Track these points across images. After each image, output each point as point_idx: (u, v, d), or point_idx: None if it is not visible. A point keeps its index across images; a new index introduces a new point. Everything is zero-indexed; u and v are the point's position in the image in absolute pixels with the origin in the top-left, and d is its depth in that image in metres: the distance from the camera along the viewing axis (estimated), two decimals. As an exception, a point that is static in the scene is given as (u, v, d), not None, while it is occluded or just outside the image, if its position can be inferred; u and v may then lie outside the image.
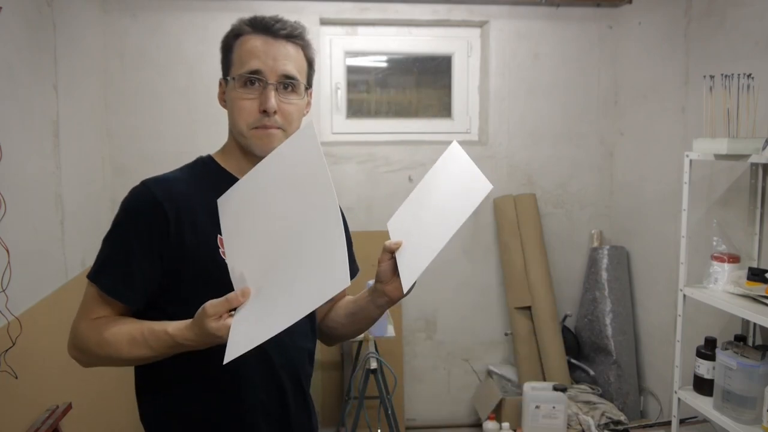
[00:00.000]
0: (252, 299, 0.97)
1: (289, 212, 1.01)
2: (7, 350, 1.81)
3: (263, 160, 1.07)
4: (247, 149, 1.16)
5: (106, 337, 1.07)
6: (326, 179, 0.99)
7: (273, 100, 1.12)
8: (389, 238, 1.17)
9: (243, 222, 1.05)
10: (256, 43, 1.13)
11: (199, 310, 0.97)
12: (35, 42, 2.22)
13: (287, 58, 1.14)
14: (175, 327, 1.02)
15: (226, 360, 0.91)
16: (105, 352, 1.08)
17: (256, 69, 1.12)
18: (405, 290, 1.09)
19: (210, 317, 0.96)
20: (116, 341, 1.06)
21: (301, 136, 1.03)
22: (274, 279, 0.98)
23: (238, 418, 1.16)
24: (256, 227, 1.03)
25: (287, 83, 1.14)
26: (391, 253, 1.14)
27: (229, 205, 1.08)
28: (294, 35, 1.15)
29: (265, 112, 1.12)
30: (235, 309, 0.97)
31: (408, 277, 1.07)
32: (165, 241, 1.09)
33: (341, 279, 0.91)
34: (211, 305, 0.96)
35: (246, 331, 0.93)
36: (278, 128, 1.14)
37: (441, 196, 1.14)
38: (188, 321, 1.01)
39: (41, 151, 2.26)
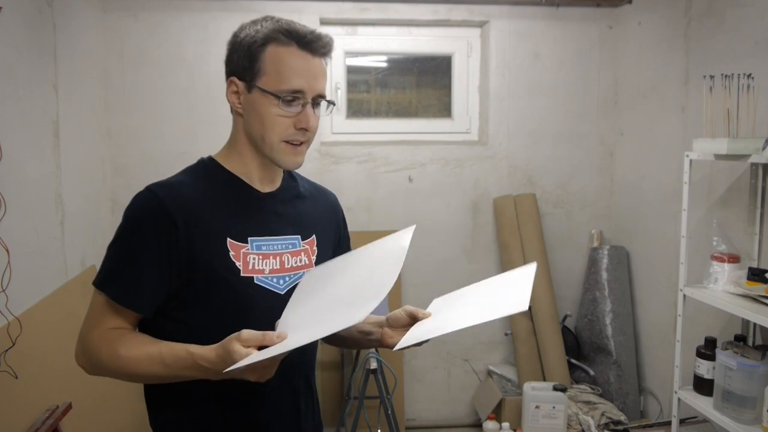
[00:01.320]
0: (282, 345, 0.98)
1: (348, 289, 1.06)
2: (7, 350, 1.81)
3: (362, 249, 1.14)
4: (273, 161, 1.16)
5: (120, 351, 1.05)
6: (388, 283, 1.02)
7: (314, 120, 1.13)
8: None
9: (319, 285, 1.09)
10: (298, 60, 1.11)
11: (234, 333, 0.97)
12: (35, 42, 2.22)
13: (323, 77, 1.14)
14: (196, 346, 1.02)
15: (225, 369, 0.93)
16: (116, 365, 1.06)
17: (300, 89, 1.11)
18: (396, 348, 1.08)
19: (241, 341, 0.95)
20: (130, 357, 1.05)
21: (403, 234, 1.10)
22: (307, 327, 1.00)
23: (252, 420, 1.16)
24: (324, 291, 1.08)
25: (319, 100, 1.15)
26: (415, 318, 1.14)
27: (315, 276, 1.13)
28: (328, 53, 1.15)
29: (303, 129, 1.12)
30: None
31: (406, 340, 1.08)
32: (173, 248, 1.08)
33: (358, 314, 0.95)
34: (249, 333, 0.96)
35: (258, 355, 0.95)
36: (305, 142, 1.15)
37: (486, 296, 1.14)
38: (213, 344, 1.01)
39: (41, 151, 2.26)
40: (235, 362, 0.93)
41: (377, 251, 1.12)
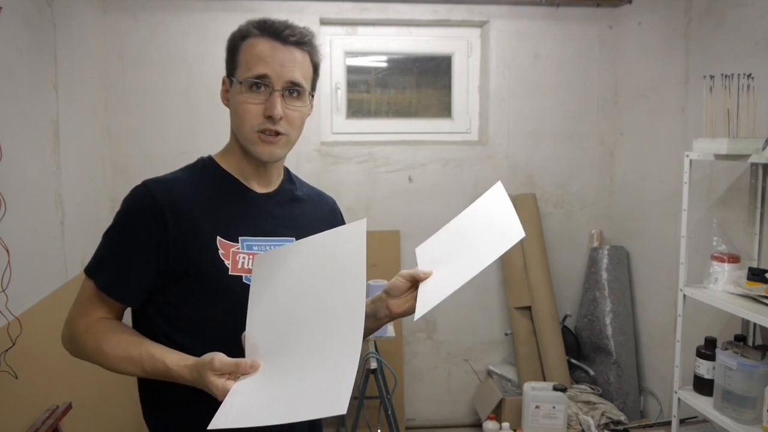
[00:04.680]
0: (258, 374, 0.98)
1: (317, 302, 1.03)
2: (7, 350, 1.81)
3: (311, 237, 1.11)
4: (248, 152, 1.17)
5: (104, 348, 1.08)
6: (361, 286, 1.00)
7: (279, 107, 1.12)
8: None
9: (272, 290, 1.06)
10: (264, 47, 1.12)
11: (206, 358, 0.98)
12: (35, 42, 2.22)
13: (294, 64, 1.14)
14: (174, 362, 1.03)
15: (211, 427, 0.91)
16: (99, 360, 1.10)
17: (264, 74, 1.11)
18: (416, 317, 1.08)
19: (214, 371, 0.96)
20: (113, 355, 1.08)
21: (353, 229, 1.06)
22: (283, 366, 0.98)
23: None
24: (283, 302, 1.05)
25: (293, 89, 1.14)
26: (416, 280, 1.14)
27: (266, 265, 1.09)
28: (302, 42, 1.15)
29: (270, 117, 1.12)
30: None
31: (423, 306, 1.07)
32: (163, 243, 1.10)
33: (339, 406, 0.89)
34: (220, 362, 0.97)
35: (240, 406, 0.93)
36: (282, 134, 1.15)
37: (474, 234, 1.13)
38: (189, 361, 1.02)
39: (41, 151, 2.26)
40: (211, 392, 0.96)
41: (330, 247, 1.09)
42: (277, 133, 1.14)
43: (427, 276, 1.13)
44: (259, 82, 1.12)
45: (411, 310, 1.15)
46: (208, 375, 0.96)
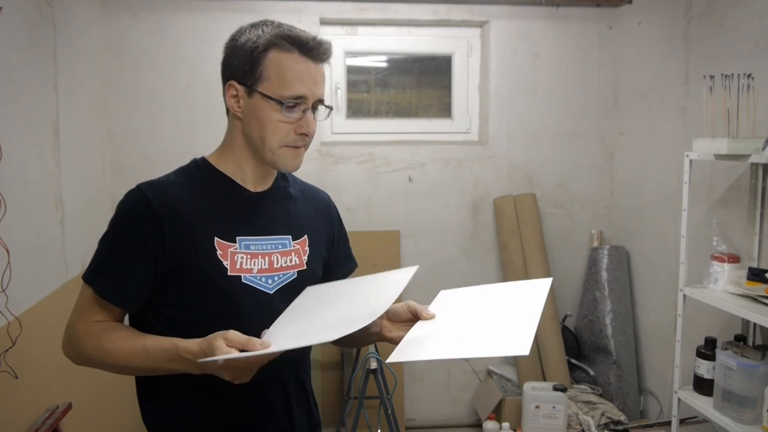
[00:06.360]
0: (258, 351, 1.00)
1: (339, 310, 1.07)
2: (7, 350, 1.81)
3: (374, 275, 1.18)
4: (269, 163, 1.17)
5: (105, 344, 1.07)
6: (379, 309, 1.03)
7: (313, 125, 1.15)
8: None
9: (313, 302, 1.12)
10: (301, 66, 1.12)
11: (223, 331, 0.98)
12: (35, 42, 2.22)
13: (323, 82, 1.16)
14: (181, 339, 1.03)
15: (200, 360, 0.96)
16: (101, 357, 1.08)
17: (303, 95, 1.12)
18: (390, 360, 1.03)
19: (226, 339, 0.96)
20: (114, 348, 1.07)
21: (402, 273, 1.13)
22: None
23: (242, 420, 1.17)
24: (316, 308, 1.09)
25: (317, 105, 1.16)
26: (417, 317, 1.13)
27: (312, 292, 1.17)
28: (328, 58, 1.16)
29: (304, 135, 1.14)
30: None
31: (400, 354, 1.05)
32: (159, 246, 1.09)
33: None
34: (235, 334, 0.97)
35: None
36: (303, 145, 1.17)
37: (493, 315, 1.10)
38: (199, 339, 1.01)
39: (41, 151, 2.26)
40: (213, 354, 0.95)
41: (378, 281, 1.14)
42: (303, 147, 1.16)
43: (428, 318, 1.12)
44: (299, 103, 1.12)
45: (396, 340, 1.13)
46: (218, 341, 0.95)
